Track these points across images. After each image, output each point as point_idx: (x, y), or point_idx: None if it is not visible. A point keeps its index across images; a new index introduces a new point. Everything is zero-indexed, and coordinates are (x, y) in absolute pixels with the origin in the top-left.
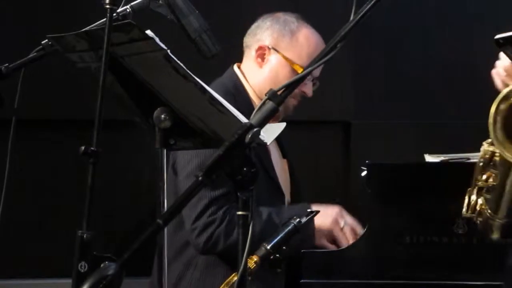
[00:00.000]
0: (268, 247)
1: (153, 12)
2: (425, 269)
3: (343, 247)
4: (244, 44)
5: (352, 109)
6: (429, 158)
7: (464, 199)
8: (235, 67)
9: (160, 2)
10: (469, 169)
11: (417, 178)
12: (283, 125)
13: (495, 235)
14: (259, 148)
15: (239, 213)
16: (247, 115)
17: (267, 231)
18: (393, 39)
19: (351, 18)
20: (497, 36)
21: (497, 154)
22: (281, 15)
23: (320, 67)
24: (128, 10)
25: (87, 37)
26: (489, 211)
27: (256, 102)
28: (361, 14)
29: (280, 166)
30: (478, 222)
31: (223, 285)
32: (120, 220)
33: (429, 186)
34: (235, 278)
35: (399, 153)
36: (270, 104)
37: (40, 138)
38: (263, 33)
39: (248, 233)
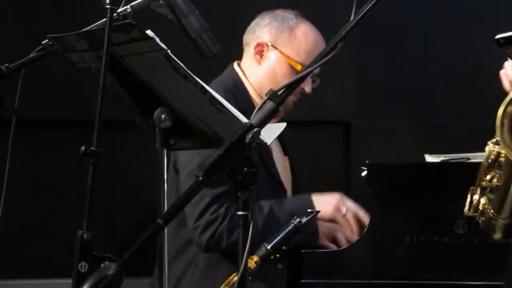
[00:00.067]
0: (269, 247)
1: (153, 12)
2: (425, 269)
3: (343, 247)
4: (244, 42)
5: (352, 109)
6: (429, 158)
7: (464, 199)
8: (235, 64)
9: (160, 2)
10: (469, 169)
11: (417, 178)
12: (283, 125)
13: (497, 235)
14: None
15: (240, 213)
16: (247, 113)
17: (269, 225)
18: (393, 39)
19: (351, 18)
20: (498, 36)
21: (502, 155)
22: (279, 12)
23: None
24: (128, 10)
25: (87, 37)
26: (492, 211)
27: (256, 99)
28: (361, 14)
29: (281, 163)
30: (480, 221)
31: (223, 285)
32: (120, 220)
33: (429, 186)
34: (236, 278)
35: (399, 153)
36: (270, 104)
37: (40, 138)
38: (261, 30)
39: (248, 233)
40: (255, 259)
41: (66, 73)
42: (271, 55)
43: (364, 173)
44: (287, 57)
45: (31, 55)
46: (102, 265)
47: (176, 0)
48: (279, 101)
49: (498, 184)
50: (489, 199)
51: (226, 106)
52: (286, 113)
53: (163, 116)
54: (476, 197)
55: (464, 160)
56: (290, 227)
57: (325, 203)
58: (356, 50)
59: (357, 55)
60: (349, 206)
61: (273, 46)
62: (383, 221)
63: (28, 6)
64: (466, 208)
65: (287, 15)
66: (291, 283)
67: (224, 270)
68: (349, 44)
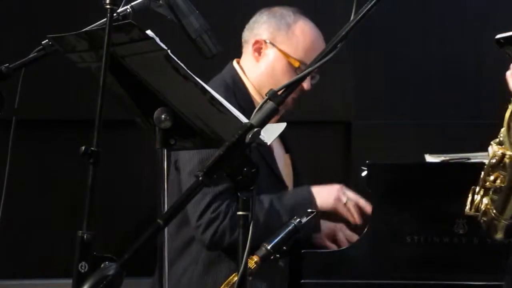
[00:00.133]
0: (269, 247)
1: (153, 12)
2: (425, 269)
3: (343, 247)
4: (243, 40)
5: (353, 109)
6: (429, 158)
7: (464, 199)
8: (234, 62)
9: (161, 2)
10: (469, 169)
11: (417, 178)
12: (283, 125)
13: (499, 235)
14: None
15: (240, 213)
16: (247, 110)
17: (271, 219)
18: (393, 39)
19: (351, 18)
20: (498, 36)
21: (507, 156)
22: (277, 9)
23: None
24: (128, 10)
25: (87, 37)
26: (494, 211)
27: (255, 96)
28: (361, 14)
29: (282, 161)
30: (482, 221)
31: (223, 285)
32: (120, 220)
33: (429, 186)
34: (235, 279)
35: (399, 153)
36: (270, 104)
37: (40, 138)
38: (260, 27)
39: (248, 233)
40: (255, 259)
41: (66, 73)
42: (269, 52)
43: (364, 173)
44: (285, 54)
45: (31, 55)
46: (102, 265)
47: (176, 0)
48: (279, 101)
49: (502, 185)
50: (492, 200)
51: (226, 106)
52: (286, 111)
53: (163, 116)
54: (477, 197)
55: (464, 160)
56: (290, 227)
57: (326, 194)
58: (356, 50)
59: (357, 55)
60: (350, 196)
61: (271, 43)
62: (383, 221)
63: (28, 6)
64: (467, 207)
65: (285, 12)
66: (291, 283)
67: (225, 268)
68: (349, 44)
